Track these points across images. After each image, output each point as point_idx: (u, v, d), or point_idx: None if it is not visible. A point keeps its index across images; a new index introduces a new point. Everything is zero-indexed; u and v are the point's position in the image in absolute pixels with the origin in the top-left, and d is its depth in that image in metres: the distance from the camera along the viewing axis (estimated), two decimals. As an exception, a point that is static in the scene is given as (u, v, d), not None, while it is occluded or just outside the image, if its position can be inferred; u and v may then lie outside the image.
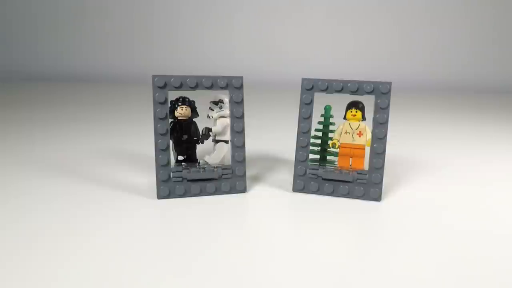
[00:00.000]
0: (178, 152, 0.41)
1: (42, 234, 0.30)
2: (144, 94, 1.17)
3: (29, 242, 0.28)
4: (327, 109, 0.43)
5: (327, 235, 0.31)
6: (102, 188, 0.40)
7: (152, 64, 1.69)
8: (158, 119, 0.37)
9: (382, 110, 0.38)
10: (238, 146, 0.39)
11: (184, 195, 0.38)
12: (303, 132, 0.39)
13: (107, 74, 1.66)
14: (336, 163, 0.42)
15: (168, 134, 0.38)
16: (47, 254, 0.27)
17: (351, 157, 0.41)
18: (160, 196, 0.37)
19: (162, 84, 0.37)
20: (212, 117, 0.42)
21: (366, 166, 0.39)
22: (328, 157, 0.44)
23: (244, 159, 0.39)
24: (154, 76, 0.37)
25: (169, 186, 0.37)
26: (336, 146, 0.41)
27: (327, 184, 0.39)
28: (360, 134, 0.40)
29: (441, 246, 0.29)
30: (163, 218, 0.34)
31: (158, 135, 0.37)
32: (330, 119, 0.43)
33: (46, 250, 0.27)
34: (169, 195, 0.37)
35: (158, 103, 0.37)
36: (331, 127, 0.43)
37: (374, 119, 0.38)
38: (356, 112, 0.40)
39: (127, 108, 0.98)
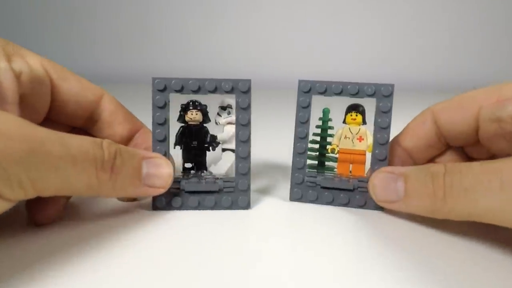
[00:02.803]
0: (185, 159, 0.38)
1: (43, 238, 0.29)
2: (145, 95, 1.15)
3: (29, 242, 0.28)
4: (326, 112, 0.41)
5: (328, 246, 0.29)
6: (94, 199, 0.38)
7: (152, 64, 1.68)
8: (156, 125, 0.35)
9: (384, 114, 0.36)
10: (243, 157, 0.36)
11: (180, 207, 0.35)
12: (300, 138, 0.37)
13: (107, 74, 1.65)
14: (335, 169, 0.40)
15: (167, 141, 0.35)
16: (48, 255, 0.26)
17: (351, 164, 0.39)
18: (155, 207, 0.35)
19: (162, 87, 0.35)
20: (219, 123, 0.39)
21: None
22: (327, 163, 0.42)
23: (248, 172, 0.35)
24: (154, 78, 0.35)
25: (166, 197, 0.35)
26: (335, 152, 0.39)
27: (326, 193, 0.37)
28: (360, 139, 0.38)
29: (443, 249, 0.29)
30: (158, 230, 0.32)
31: (155, 141, 0.35)
32: (329, 122, 0.41)
33: (47, 251, 0.27)
34: (165, 207, 0.35)
35: (157, 107, 0.35)
36: (329, 131, 0.41)
37: (375, 123, 0.36)
38: (356, 115, 0.39)
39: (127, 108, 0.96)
